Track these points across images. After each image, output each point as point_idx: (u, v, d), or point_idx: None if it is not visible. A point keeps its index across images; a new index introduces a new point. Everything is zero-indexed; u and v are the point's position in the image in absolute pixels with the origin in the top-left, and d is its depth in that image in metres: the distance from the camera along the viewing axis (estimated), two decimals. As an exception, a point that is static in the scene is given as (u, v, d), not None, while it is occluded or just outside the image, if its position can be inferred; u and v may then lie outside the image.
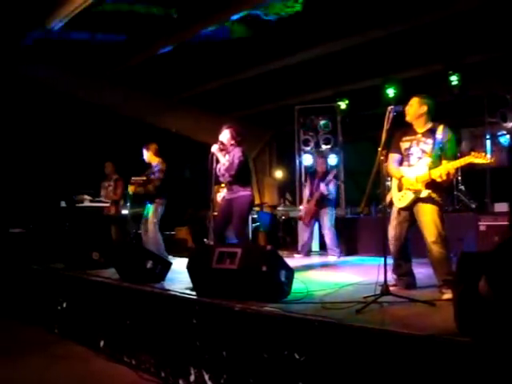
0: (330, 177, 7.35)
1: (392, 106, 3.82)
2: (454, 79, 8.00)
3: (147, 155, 6.59)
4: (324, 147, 9.62)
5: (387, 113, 3.77)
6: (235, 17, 6.39)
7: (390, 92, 8.61)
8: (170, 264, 5.05)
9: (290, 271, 3.86)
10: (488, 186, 7.76)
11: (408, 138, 4.03)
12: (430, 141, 3.89)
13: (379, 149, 3.82)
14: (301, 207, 8.12)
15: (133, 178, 6.41)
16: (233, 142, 5.22)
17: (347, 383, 2.71)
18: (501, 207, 6.71)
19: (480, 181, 7.80)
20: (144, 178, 6.36)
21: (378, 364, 2.59)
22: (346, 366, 2.73)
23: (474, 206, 7.57)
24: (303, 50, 7.90)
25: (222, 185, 5.55)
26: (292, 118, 9.94)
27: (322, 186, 7.26)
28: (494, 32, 6.91)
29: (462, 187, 7.85)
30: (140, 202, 6.50)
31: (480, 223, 6.31)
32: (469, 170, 7.01)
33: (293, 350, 2.96)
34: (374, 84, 8.77)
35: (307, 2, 6.17)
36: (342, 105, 9.40)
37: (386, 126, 3.76)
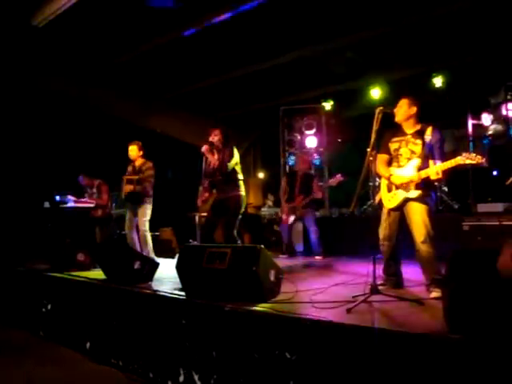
0: (334, 182, 7.22)
1: (381, 107, 3.84)
2: (438, 81, 8.12)
3: (132, 152, 6.51)
4: (308, 148, 9.67)
5: (376, 114, 3.79)
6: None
7: (375, 93, 8.70)
8: (158, 264, 5.02)
9: (280, 271, 3.87)
10: (470, 187, 7.88)
11: (397, 138, 4.07)
12: (419, 141, 3.93)
13: (368, 149, 3.86)
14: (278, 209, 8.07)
15: (127, 177, 6.32)
16: (223, 142, 5.24)
17: (339, 382, 2.73)
18: (484, 208, 6.80)
19: (462, 182, 7.91)
20: (137, 177, 6.29)
21: (370, 363, 2.60)
22: (337, 364, 2.73)
23: (456, 206, 7.69)
24: (289, 51, 7.90)
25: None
26: (277, 118, 9.97)
27: (320, 194, 7.26)
28: (478, 35, 7.03)
29: (445, 188, 7.98)
30: (129, 202, 6.39)
31: (463, 223, 6.40)
32: (451, 171, 7.10)
33: (284, 350, 2.95)
34: (360, 85, 8.84)
35: (295, 4, 6.17)
36: (327, 106, 9.46)
37: (374, 127, 3.78)
